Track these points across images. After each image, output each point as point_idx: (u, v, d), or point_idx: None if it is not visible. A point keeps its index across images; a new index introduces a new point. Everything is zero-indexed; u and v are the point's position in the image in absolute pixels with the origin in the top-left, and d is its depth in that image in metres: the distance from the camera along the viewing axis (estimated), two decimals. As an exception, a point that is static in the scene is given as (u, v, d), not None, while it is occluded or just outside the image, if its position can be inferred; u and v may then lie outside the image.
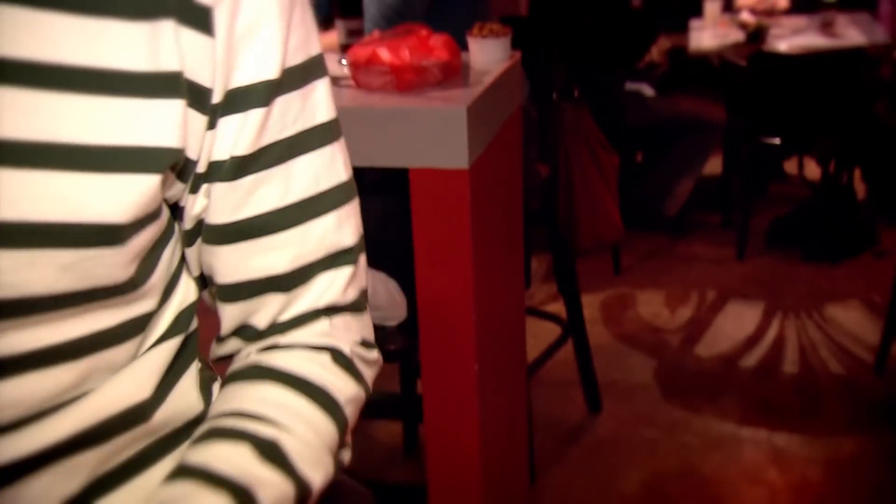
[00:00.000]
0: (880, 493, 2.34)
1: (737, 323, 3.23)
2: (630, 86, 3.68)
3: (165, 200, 0.68)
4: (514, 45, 1.87)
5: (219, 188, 0.69)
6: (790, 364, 2.96)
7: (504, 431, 2.00)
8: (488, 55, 1.82)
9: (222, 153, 0.68)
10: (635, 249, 3.79)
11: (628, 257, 3.72)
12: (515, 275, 2.10)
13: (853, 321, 3.21)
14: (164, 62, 0.62)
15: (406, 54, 1.65)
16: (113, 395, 0.66)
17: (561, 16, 3.42)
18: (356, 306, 0.78)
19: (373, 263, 1.68)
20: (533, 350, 2.39)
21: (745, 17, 4.02)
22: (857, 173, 3.95)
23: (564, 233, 2.55)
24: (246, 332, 0.76)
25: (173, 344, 0.72)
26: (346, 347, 0.75)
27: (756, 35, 3.83)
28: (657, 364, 3.00)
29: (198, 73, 0.64)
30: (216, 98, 0.65)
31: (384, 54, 1.65)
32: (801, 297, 3.40)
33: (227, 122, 0.67)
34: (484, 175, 1.66)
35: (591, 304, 3.29)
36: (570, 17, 3.41)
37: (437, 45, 1.68)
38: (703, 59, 3.88)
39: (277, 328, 0.75)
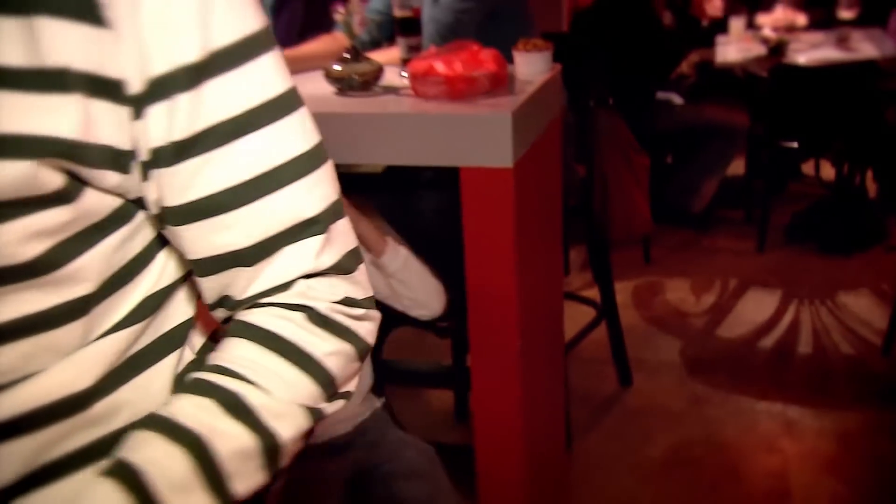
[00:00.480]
0: (884, 464, 2.28)
1: (756, 309, 3.17)
2: (661, 95, 3.63)
3: (112, 192, 0.63)
4: (555, 58, 1.85)
5: (165, 173, 0.63)
6: (804, 346, 2.90)
7: (543, 401, 1.99)
8: (532, 67, 1.80)
9: (159, 140, 0.61)
10: (664, 242, 3.73)
11: (658, 249, 3.67)
12: (555, 263, 2.08)
13: (863, 308, 3.12)
14: (46, 58, 0.56)
15: (459, 66, 1.64)
16: (53, 381, 0.61)
17: (597, 33, 3.38)
18: (338, 269, 0.70)
19: (426, 253, 1.68)
20: (571, 330, 2.37)
21: (767, 32, 3.93)
22: (869, 174, 3.85)
23: (599, 226, 2.53)
24: (227, 303, 0.70)
25: (133, 332, 0.67)
26: (322, 306, 0.68)
27: (777, 49, 3.73)
28: (683, 344, 2.95)
29: (97, 66, 0.58)
30: (135, 88, 0.59)
31: (439, 66, 1.64)
32: (815, 286, 3.32)
33: (155, 110, 0.60)
34: (527, 173, 1.65)
35: (623, 290, 3.25)
36: (605, 34, 3.36)
37: (487, 59, 1.67)
38: (729, 71, 3.80)
39: (254, 297, 0.69)
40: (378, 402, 1.64)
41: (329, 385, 0.68)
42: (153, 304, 0.69)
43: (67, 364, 0.62)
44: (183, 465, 0.59)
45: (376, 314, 0.74)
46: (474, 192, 1.58)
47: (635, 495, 2.22)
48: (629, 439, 2.44)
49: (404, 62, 1.88)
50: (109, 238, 0.64)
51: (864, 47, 3.72)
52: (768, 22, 4.06)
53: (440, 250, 1.78)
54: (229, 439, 0.61)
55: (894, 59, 3.56)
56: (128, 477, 0.58)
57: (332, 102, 1.73)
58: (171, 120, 0.61)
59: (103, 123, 0.59)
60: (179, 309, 0.72)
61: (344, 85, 1.76)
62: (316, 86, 1.85)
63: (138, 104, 0.60)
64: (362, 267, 0.73)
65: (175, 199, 0.64)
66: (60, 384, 0.62)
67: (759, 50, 3.80)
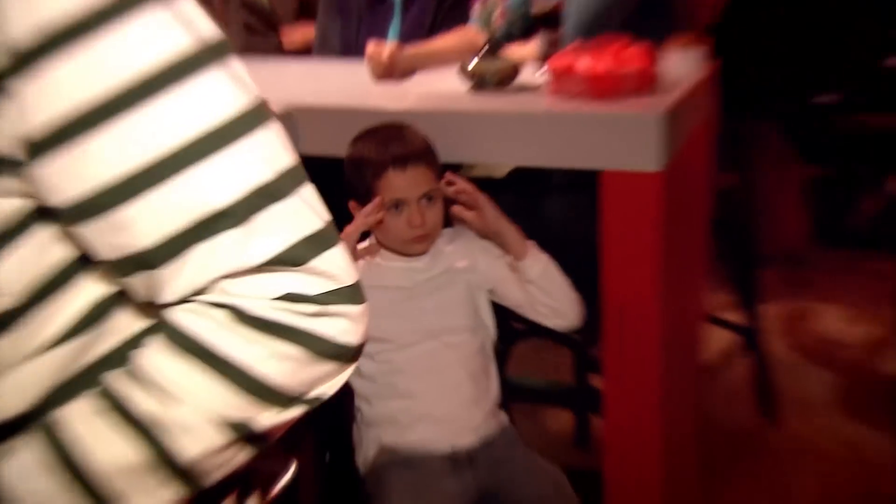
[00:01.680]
0: None
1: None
2: (818, 99, 3.47)
3: (8, 195, 0.60)
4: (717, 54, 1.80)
5: (36, 170, 0.57)
6: None
7: (679, 432, 1.93)
8: (683, 65, 1.77)
9: (17, 136, 0.56)
10: (818, 263, 3.57)
11: (810, 270, 3.52)
12: (698, 280, 2.03)
13: None
14: None
15: (604, 63, 1.62)
16: None
17: (753, 21, 3.22)
18: (280, 261, 0.61)
19: (557, 261, 1.66)
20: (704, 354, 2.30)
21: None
22: None
23: (747, 240, 2.45)
24: (156, 304, 0.64)
25: (82, 343, 0.64)
26: (251, 304, 0.61)
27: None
28: (835, 378, 2.81)
29: None
30: None
31: (583, 63, 1.62)
32: None
33: (4, 107, 0.56)
34: (674, 180, 1.61)
35: (765, 314, 3.13)
36: (764, 21, 3.20)
37: (635, 55, 1.64)
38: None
39: (173, 302, 0.62)
40: (504, 417, 1.62)
41: (267, 393, 0.62)
42: (104, 309, 0.65)
43: (7, 383, 0.60)
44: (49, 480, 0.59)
45: (348, 309, 0.64)
46: (617, 197, 1.55)
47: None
48: (771, 483, 2.33)
49: (543, 59, 1.87)
50: (16, 252, 0.61)
51: None
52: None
53: (567, 260, 1.76)
54: (105, 449, 0.60)
55: None
56: None
57: (467, 100, 1.74)
58: (17, 116, 0.56)
59: None
60: (131, 319, 0.68)
61: (479, 82, 1.76)
62: (449, 82, 1.86)
63: None
64: (330, 254, 0.63)
65: (53, 199, 0.58)
66: None
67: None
